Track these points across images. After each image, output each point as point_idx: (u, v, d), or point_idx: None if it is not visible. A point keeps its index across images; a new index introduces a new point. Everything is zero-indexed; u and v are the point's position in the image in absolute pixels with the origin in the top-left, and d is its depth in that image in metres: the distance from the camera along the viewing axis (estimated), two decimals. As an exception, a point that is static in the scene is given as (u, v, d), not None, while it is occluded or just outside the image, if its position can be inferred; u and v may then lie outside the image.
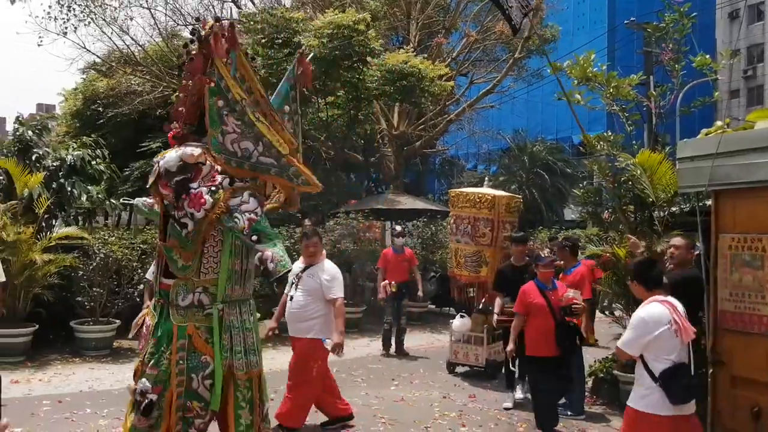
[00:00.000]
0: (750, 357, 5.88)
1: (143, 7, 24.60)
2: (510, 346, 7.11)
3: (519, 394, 8.11)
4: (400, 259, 11.10)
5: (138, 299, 10.70)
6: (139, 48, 25.34)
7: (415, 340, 12.14)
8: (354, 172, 27.76)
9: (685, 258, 5.73)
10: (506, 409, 7.82)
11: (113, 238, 11.17)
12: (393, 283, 10.75)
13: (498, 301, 8.22)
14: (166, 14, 25.85)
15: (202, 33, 4.40)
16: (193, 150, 4.37)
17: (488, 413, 7.61)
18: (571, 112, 8.02)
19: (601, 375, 8.27)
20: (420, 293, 11.45)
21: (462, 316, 9.58)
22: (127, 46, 25.27)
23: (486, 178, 11.06)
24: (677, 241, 5.99)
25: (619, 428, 6.94)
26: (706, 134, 6.41)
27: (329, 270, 6.75)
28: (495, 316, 8.21)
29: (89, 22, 23.27)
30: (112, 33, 24.67)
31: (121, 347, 10.59)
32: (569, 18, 33.02)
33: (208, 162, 4.40)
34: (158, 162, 4.44)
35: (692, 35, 8.24)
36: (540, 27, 22.92)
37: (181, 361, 4.30)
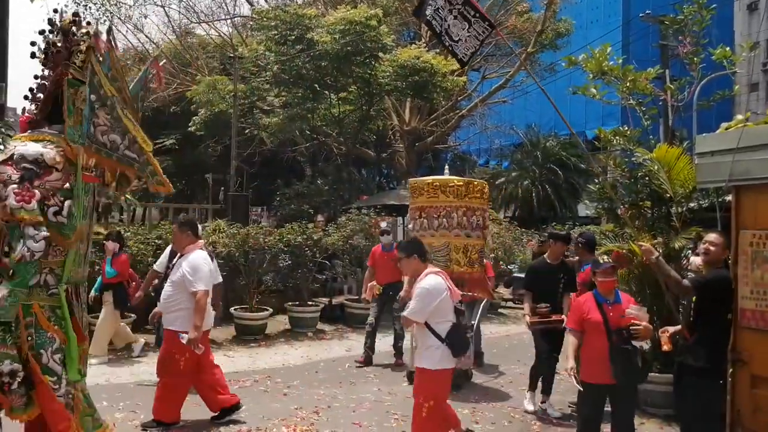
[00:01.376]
0: (770, 355, 5.79)
1: (157, 5, 24.66)
2: (569, 364, 5.74)
3: (530, 406, 7.66)
4: (388, 258, 9.93)
5: (153, 294, 10.74)
6: (154, 45, 25.46)
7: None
8: (366, 168, 27.78)
9: (720, 257, 5.61)
10: (527, 412, 7.53)
11: (128, 233, 11.23)
12: (376, 285, 9.93)
13: (527, 303, 7.67)
14: (179, 12, 25.95)
15: (59, 24, 4.51)
16: (56, 155, 4.41)
17: (501, 410, 7.58)
18: (587, 107, 7.95)
19: (546, 355, 8.24)
20: (403, 293, 10.26)
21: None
22: (142, 43, 25.40)
23: (446, 166, 9.91)
24: (714, 238, 5.86)
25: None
26: (726, 128, 6.34)
27: (193, 261, 6.50)
28: (527, 318, 7.62)
29: (105, 21, 23.39)
30: (127, 31, 24.81)
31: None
32: (583, 11, 32.78)
33: (61, 171, 4.43)
34: (16, 146, 4.46)
35: (710, 27, 8.15)
36: (553, 21, 22.80)
37: (29, 338, 4.34)
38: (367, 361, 9.80)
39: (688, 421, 5.62)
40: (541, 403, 7.58)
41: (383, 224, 11.27)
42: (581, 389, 5.66)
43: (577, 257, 8.27)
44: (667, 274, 5.53)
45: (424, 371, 5.42)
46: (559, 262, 7.72)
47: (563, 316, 7.16)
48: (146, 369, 9.06)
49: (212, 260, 7.10)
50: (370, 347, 9.91)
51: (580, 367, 5.73)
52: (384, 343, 11.44)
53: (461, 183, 8.33)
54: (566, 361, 5.79)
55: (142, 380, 8.47)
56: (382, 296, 9.98)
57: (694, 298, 5.52)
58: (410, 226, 8.36)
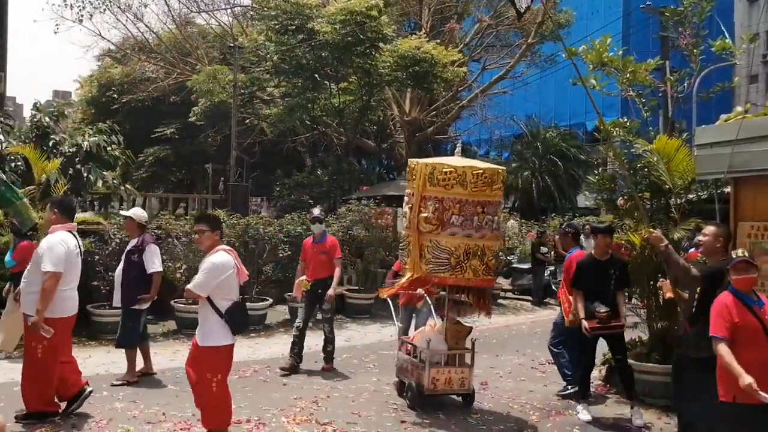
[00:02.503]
0: (768, 346, 5.82)
1: (157, -6, 24.62)
2: (747, 380, 4.31)
3: (586, 414, 7.07)
4: (318, 251, 8.76)
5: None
6: (153, 35, 25.42)
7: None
8: (366, 158, 27.76)
9: (713, 247, 5.57)
10: (638, 426, 6.80)
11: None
12: (305, 279, 8.58)
13: (579, 304, 7.05)
14: (179, 1, 25.84)
15: None
16: None
17: (500, 401, 7.61)
18: (587, 98, 7.95)
19: (614, 363, 8.24)
20: (330, 292, 8.64)
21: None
22: (142, 33, 25.38)
23: (458, 147, 8.61)
24: (706, 229, 5.88)
25: (627, 413, 6.97)
26: (726, 120, 6.36)
27: (50, 240, 6.15)
28: (584, 323, 6.82)
29: (104, 10, 23.38)
30: (126, 20, 24.79)
31: (136, 332, 10.66)
32: (584, 2, 32.71)
33: None
34: None
35: (710, 19, 8.14)
36: (554, 11, 22.73)
37: None
38: (291, 369, 8.49)
39: (686, 411, 5.64)
40: (631, 408, 7.04)
41: (315, 211, 9.40)
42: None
43: (561, 246, 8.17)
44: (676, 263, 5.52)
45: (206, 348, 5.50)
46: (609, 257, 7.18)
47: (622, 321, 6.86)
48: (146, 358, 9.10)
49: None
50: (297, 354, 8.63)
51: (726, 384, 4.67)
52: (383, 333, 11.48)
53: (483, 171, 6.83)
54: (743, 378, 4.34)
55: (143, 370, 8.49)
56: (310, 294, 8.63)
57: (698, 290, 5.51)
58: (406, 211, 7.05)
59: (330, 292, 8.62)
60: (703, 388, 5.55)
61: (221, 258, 5.53)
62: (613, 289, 7.01)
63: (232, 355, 5.73)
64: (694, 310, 5.55)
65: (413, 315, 8.70)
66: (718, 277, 5.42)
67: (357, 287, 13.92)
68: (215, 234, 5.73)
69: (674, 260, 5.54)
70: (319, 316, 9.26)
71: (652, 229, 6.10)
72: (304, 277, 8.62)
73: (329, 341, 8.80)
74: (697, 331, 5.43)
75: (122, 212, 8.23)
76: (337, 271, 8.81)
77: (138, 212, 8.15)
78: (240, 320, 5.64)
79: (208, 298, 5.47)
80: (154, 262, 7.71)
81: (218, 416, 5.60)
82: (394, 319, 8.64)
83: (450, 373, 7.10)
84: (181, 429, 6.22)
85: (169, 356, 9.31)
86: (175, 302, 11.00)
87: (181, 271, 10.95)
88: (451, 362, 7.19)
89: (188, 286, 5.60)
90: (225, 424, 5.67)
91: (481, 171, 6.82)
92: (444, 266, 6.73)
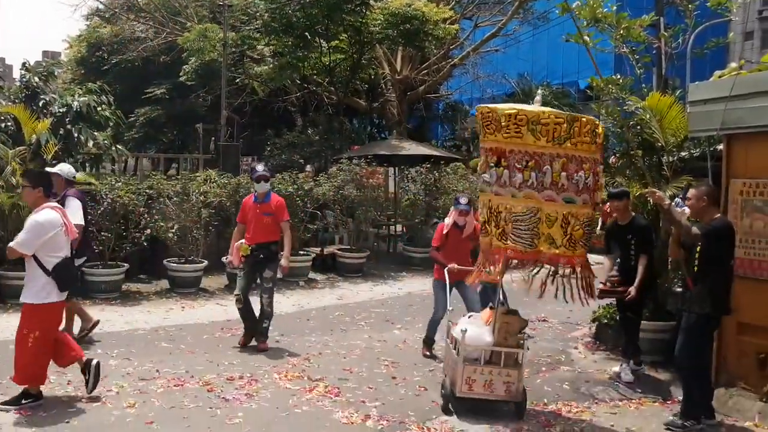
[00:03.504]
0: (758, 303, 5.90)
1: (146, -49, 24.14)
2: None
3: (628, 375, 7.02)
4: (261, 212, 7.75)
5: (145, 244, 10.78)
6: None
7: (417, 285, 12.24)
8: (357, 118, 27.56)
9: (700, 207, 5.60)
10: (627, 383, 6.91)
11: (120, 183, 11.20)
12: (244, 242, 7.72)
13: (606, 263, 7.18)
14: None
15: None
16: None
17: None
18: (579, 56, 7.87)
19: (605, 321, 8.33)
20: (283, 262, 7.78)
21: (470, 316, 6.54)
22: (130, -9, 24.87)
23: (539, 92, 7.20)
24: (689, 194, 5.91)
25: (612, 373, 7.06)
26: (720, 77, 6.31)
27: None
28: (599, 285, 6.72)
29: (92, -31, 22.88)
30: (114, -22, 24.28)
31: (129, 290, 10.70)
32: (577, -42, 32.22)
33: None
34: None
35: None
36: (548, -32, 22.39)
37: None
38: (246, 342, 7.80)
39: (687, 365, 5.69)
40: (621, 365, 7.16)
41: (259, 167, 8.08)
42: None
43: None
44: (677, 222, 5.53)
45: (30, 306, 5.56)
46: (628, 221, 7.06)
47: (631, 289, 6.74)
48: (140, 317, 9.14)
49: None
50: (252, 327, 7.81)
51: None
52: (375, 292, 11.56)
53: (562, 119, 5.48)
54: None
55: (136, 328, 8.54)
56: (251, 260, 7.71)
57: (698, 249, 5.53)
58: (484, 176, 5.62)
59: (283, 262, 7.73)
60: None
61: (46, 216, 5.54)
62: (634, 254, 6.93)
63: (58, 313, 5.80)
64: (696, 268, 5.58)
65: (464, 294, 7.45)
66: (722, 234, 5.47)
67: (349, 246, 13.97)
68: (37, 191, 5.67)
69: (677, 219, 5.55)
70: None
71: (652, 189, 6.03)
72: (243, 240, 7.73)
73: (266, 316, 7.73)
74: (700, 288, 5.51)
75: (48, 169, 7.81)
76: (287, 237, 7.82)
77: (64, 168, 7.88)
78: (67, 277, 5.65)
79: (34, 256, 5.52)
80: (74, 215, 7.06)
81: (30, 373, 5.62)
82: (447, 302, 6.94)
83: (492, 374, 5.77)
84: (174, 385, 6.27)
85: (162, 315, 9.36)
86: (167, 261, 11.01)
87: (173, 230, 10.93)
88: (495, 361, 5.85)
89: (10, 244, 5.61)
90: (37, 382, 5.66)
91: (585, 121, 5.48)
92: (526, 238, 5.42)
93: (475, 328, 5.97)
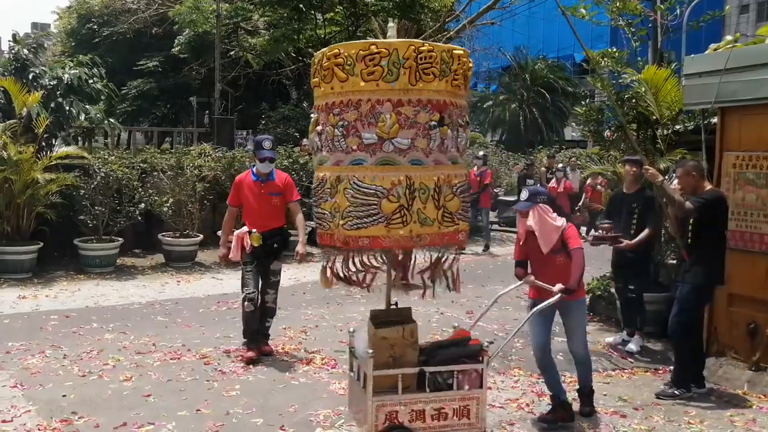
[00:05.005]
0: (749, 275, 5.97)
1: None
2: None
3: (633, 345, 7.06)
4: (267, 191, 6.45)
5: (139, 218, 10.78)
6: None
7: (420, 257, 12.24)
8: (352, 91, 27.43)
9: (688, 182, 5.65)
10: (629, 352, 6.98)
11: (113, 157, 11.17)
12: (255, 232, 6.32)
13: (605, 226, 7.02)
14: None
15: None
16: None
17: (485, 329, 7.73)
18: (577, 28, 7.83)
19: (599, 293, 8.39)
20: (300, 248, 6.43)
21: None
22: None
23: (390, 24, 4.57)
24: (677, 172, 5.95)
25: (607, 344, 7.14)
26: (715, 50, 6.30)
27: None
28: (593, 232, 7.07)
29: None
30: (103, -54, 23.96)
31: (124, 264, 10.73)
32: (574, -71, 31.90)
33: None
34: None
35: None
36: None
37: None
38: (252, 360, 6.29)
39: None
40: (630, 336, 7.18)
41: (266, 144, 6.50)
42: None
43: None
44: (671, 197, 5.57)
45: None
46: (636, 190, 6.97)
47: (627, 240, 6.75)
48: (135, 291, 9.18)
49: None
50: (255, 337, 6.48)
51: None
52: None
53: (431, 49, 3.84)
54: None
55: (131, 302, 8.58)
56: (259, 250, 6.37)
57: (691, 221, 5.59)
58: (314, 139, 4.18)
59: (300, 248, 6.41)
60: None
61: None
62: (635, 224, 6.88)
63: None
64: (689, 240, 5.65)
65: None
66: (714, 205, 5.53)
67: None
68: None
69: (669, 195, 5.59)
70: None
71: (646, 166, 6.01)
72: (251, 229, 6.38)
73: (270, 314, 6.57)
74: (695, 259, 5.60)
75: None
76: (300, 220, 6.57)
77: None
78: None
79: None
80: None
81: None
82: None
83: (400, 406, 4.12)
84: (171, 358, 6.31)
85: (157, 288, 9.39)
86: (162, 236, 11.01)
87: (168, 205, 10.92)
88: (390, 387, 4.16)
89: None
90: None
91: (431, 49, 3.84)
92: (372, 217, 3.84)
93: (361, 343, 4.56)
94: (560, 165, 15.51)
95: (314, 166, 4.24)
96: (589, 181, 15.39)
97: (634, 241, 6.78)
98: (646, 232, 6.78)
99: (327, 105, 3.95)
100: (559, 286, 4.80)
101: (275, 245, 6.45)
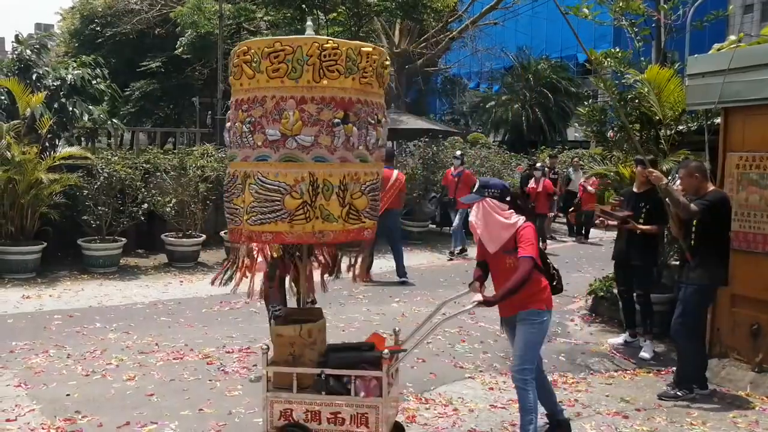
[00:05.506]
0: (752, 276, 5.96)
1: None
2: None
3: (646, 352, 6.93)
4: None
5: (142, 218, 10.80)
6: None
7: (416, 259, 12.28)
8: (355, 91, 27.43)
9: (691, 183, 5.64)
10: (644, 359, 6.84)
11: (116, 157, 11.18)
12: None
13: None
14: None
15: None
16: None
17: (487, 330, 7.73)
18: (579, 29, 7.83)
19: (601, 294, 8.39)
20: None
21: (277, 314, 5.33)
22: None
23: (309, 22, 4.53)
24: (679, 173, 5.93)
25: (610, 345, 7.13)
26: (718, 50, 6.29)
27: None
28: (597, 207, 7.05)
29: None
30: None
31: (127, 265, 10.74)
32: (576, -71, 31.86)
33: None
34: None
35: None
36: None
37: None
38: None
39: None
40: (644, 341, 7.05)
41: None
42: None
43: None
44: (676, 200, 5.55)
45: None
46: (646, 190, 6.83)
47: (639, 227, 6.69)
48: (138, 291, 9.18)
49: None
50: None
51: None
52: (374, 266, 11.59)
53: (336, 47, 3.77)
54: None
55: (134, 302, 8.59)
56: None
57: (695, 222, 5.58)
58: (225, 135, 4.14)
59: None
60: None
61: None
62: (642, 224, 6.79)
63: None
64: (693, 241, 5.65)
65: None
66: (718, 206, 5.52)
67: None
68: None
69: (674, 197, 5.57)
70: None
71: (650, 169, 5.97)
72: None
73: None
74: (699, 260, 5.59)
75: None
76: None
77: None
78: None
79: None
80: None
81: None
82: None
83: (294, 404, 4.08)
84: (174, 358, 6.32)
85: (160, 288, 9.40)
86: (165, 236, 11.03)
87: (171, 205, 10.93)
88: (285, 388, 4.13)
89: None
90: None
91: (336, 46, 3.78)
92: (276, 213, 3.78)
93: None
94: (539, 164, 15.20)
95: (227, 162, 4.25)
96: (581, 180, 15.41)
97: (640, 226, 6.69)
98: (651, 228, 6.72)
99: (237, 102, 3.93)
100: (477, 297, 4.40)
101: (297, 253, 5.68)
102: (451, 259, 12.64)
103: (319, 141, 3.76)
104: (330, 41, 3.79)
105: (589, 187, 15.05)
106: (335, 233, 3.87)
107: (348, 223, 3.90)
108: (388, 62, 4.09)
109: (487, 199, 4.41)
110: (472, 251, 11.77)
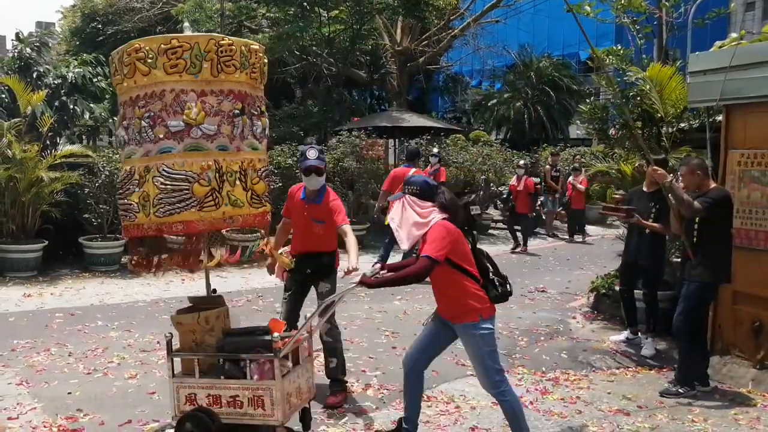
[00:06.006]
0: (754, 273, 5.96)
1: None
2: None
3: (647, 350, 6.92)
4: (310, 216, 5.35)
5: (144, 216, 10.79)
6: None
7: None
8: (357, 89, 27.43)
9: (693, 181, 5.63)
10: (645, 357, 6.84)
11: (117, 155, 11.17)
12: (284, 253, 5.23)
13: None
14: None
15: None
16: None
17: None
18: (579, 26, 7.81)
19: (603, 291, 8.38)
20: (353, 263, 4.95)
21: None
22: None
23: (185, 23, 5.17)
24: (680, 170, 5.92)
25: (615, 343, 7.13)
26: (720, 47, 6.27)
27: None
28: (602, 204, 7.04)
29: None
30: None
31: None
32: (579, -74, 31.78)
33: None
34: None
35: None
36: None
37: None
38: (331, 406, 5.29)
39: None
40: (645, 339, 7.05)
41: (311, 153, 5.29)
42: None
43: None
44: (680, 197, 5.53)
45: None
46: (654, 190, 6.63)
47: (645, 223, 6.60)
48: (140, 290, 9.20)
49: None
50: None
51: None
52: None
53: (231, 43, 4.02)
54: None
55: (136, 300, 8.60)
56: (298, 277, 5.46)
57: (697, 220, 5.58)
58: (120, 133, 4.15)
59: (351, 264, 4.91)
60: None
61: None
62: (651, 222, 6.69)
63: None
64: (695, 239, 5.64)
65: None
66: (721, 203, 5.52)
67: (349, 219, 13.95)
68: None
69: (678, 195, 5.55)
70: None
71: (654, 167, 5.92)
72: (286, 248, 5.47)
73: (329, 351, 5.43)
74: (701, 257, 5.59)
75: None
76: (352, 242, 5.12)
77: None
78: None
79: None
80: None
81: None
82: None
83: (197, 389, 4.30)
84: (176, 357, 6.32)
85: (162, 287, 9.41)
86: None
87: (173, 203, 10.91)
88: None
89: None
90: None
91: (231, 43, 4.02)
92: (185, 202, 3.90)
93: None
94: (521, 162, 14.87)
95: (121, 161, 4.28)
96: (570, 179, 15.28)
97: (646, 222, 6.59)
98: (657, 225, 6.62)
99: (132, 99, 3.98)
100: (359, 274, 4.35)
101: (308, 270, 5.40)
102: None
103: (221, 130, 3.95)
104: (225, 38, 4.02)
105: (579, 186, 14.93)
106: (243, 217, 4.09)
107: (253, 207, 4.13)
108: (266, 60, 4.36)
109: (407, 196, 4.35)
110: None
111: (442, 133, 17.38)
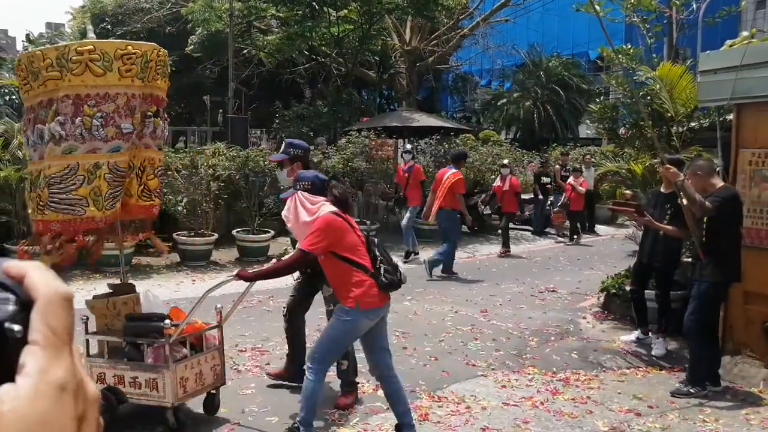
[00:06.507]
0: (765, 273, 5.93)
1: None
2: None
3: (658, 350, 6.90)
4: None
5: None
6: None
7: (424, 255, 12.25)
8: (366, 89, 27.46)
9: (695, 184, 5.61)
10: (656, 356, 6.81)
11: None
12: (287, 249, 5.02)
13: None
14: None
15: None
16: None
17: (500, 327, 7.75)
18: (590, 26, 7.80)
19: (613, 291, 8.36)
20: (247, 273, 4.87)
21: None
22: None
23: (89, 27, 5.01)
24: (688, 169, 5.91)
25: (625, 343, 7.12)
26: (731, 46, 6.25)
27: None
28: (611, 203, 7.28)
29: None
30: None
31: (139, 264, 10.80)
32: (588, -74, 31.68)
33: None
34: None
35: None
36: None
37: None
38: (281, 376, 5.75)
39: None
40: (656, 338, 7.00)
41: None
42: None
43: None
44: (692, 197, 5.52)
45: None
46: (671, 191, 6.36)
47: (658, 224, 6.53)
48: (139, 289, 9.22)
49: None
50: (295, 357, 5.72)
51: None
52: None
53: (165, 53, 4.54)
54: None
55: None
56: (305, 275, 5.52)
57: (706, 219, 5.57)
58: (55, 128, 4.13)
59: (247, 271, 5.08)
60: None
61: None
62: (666, 224, 6.58)
63: None
64: (705, 238, 5.62)
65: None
66: (730, 202, 5.51)
67: (358, 219, 14.00)
68: None
69: (690, 194, 5.54)
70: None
71: (667, 165, 5.88)
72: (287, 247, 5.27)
73: (344, 354, 5.12)
74: (711, 257, 5.59)
75: None
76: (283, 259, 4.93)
77: None
78: None
79: None
80: None
81: None
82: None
83: (106, 369, 4.69)
84: (187, 357, 6.35)
85: (173, 287, 9.46)
86: (177, 235, 11.07)
87: (183, 204, 10.98)
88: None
89: None
90: None
91: (133, 48, 4.28)
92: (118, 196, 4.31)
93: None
94: (506, 161, 14.60)
95: (51, 154, 4.23)
96: (570, 180, 15.17)
97: (657, 224, 6.52)
98: (671, 227, 6.51)
99: (79, 96, 4.13)
100: (238, 271, 4.76)
101: (308, 270, 5.30)
102: (406, 261, 11.60)
103: (143, 132, 4.40)
104: (159, 48, 4.46)
105: (579, 188, 14.80)
106: (132, 207, 4.58)
107: (142, 200, 4.57)
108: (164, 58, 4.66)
109: (299, 192, 4.41)
110: (424, 253, 11.81)
111: (451, 133, 17.38)
